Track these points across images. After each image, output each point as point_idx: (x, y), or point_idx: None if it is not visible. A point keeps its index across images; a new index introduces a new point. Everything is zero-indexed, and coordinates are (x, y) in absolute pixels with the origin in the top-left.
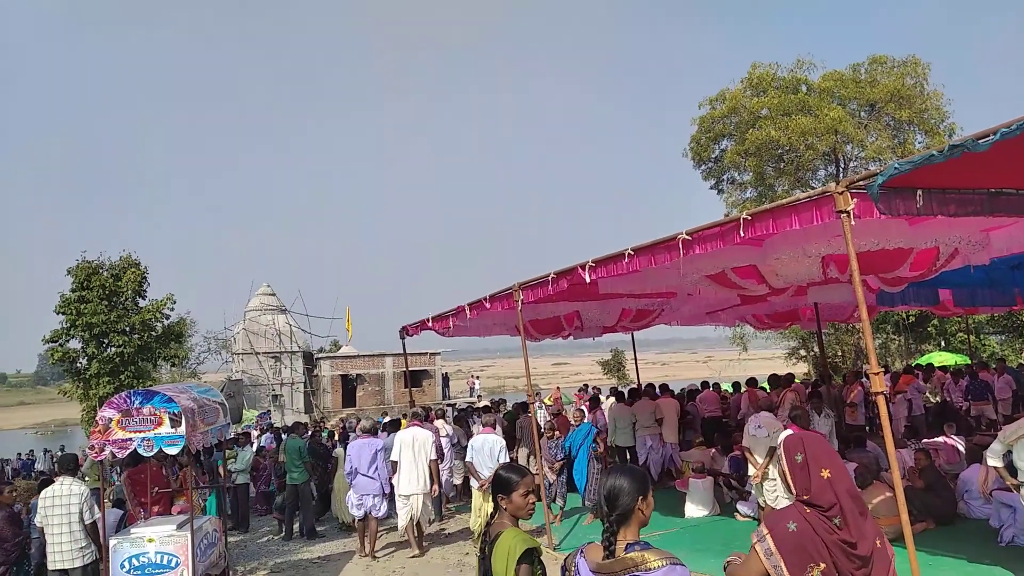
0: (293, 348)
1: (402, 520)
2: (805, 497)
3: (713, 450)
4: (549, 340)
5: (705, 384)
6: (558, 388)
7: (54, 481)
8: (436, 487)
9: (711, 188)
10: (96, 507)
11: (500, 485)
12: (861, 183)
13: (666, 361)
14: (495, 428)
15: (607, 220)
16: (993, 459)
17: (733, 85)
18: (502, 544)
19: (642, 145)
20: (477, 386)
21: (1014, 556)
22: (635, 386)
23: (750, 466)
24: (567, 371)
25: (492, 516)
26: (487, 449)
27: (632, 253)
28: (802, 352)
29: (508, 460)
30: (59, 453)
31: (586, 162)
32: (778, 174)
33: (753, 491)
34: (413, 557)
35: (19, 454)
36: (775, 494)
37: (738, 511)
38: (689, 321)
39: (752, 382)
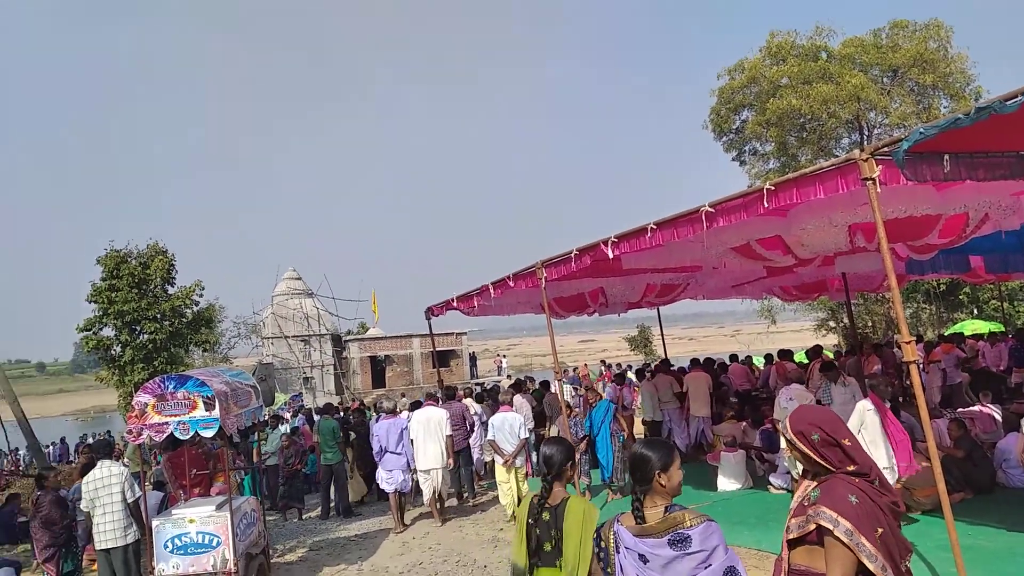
0: (321, 331)
1: (426, 494)
2: (851, 468)
3: (744, 423)
4: (575, 317)
5: (734, 357)
6: (585, 365)
7: (95, 465)
8: (451, 460)
9: (733, 160)
10: (136, 485)
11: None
12: (886, 149)
13: (694, 336)
14: (512, 406)
15: (629, 196)
16: None
17: (752, 54)
18: (575, 509)
19: (664, 117)
20: (504, 365)
21: None
22: (659, 362)
23: (782, 439)
24: (594, 348)
25: (546, 487)
26: (507, 426)
27: (655, 227)
28: (831, 324)
29: (527, 436)
30: (90, 440)
31: (606, 137)
32: (801, 143)
33: (786, 463)
34: (438, 527)
35: (52, 442)
36: None
37: (771, 484)
38: (715, 295)
39: (785, 354)
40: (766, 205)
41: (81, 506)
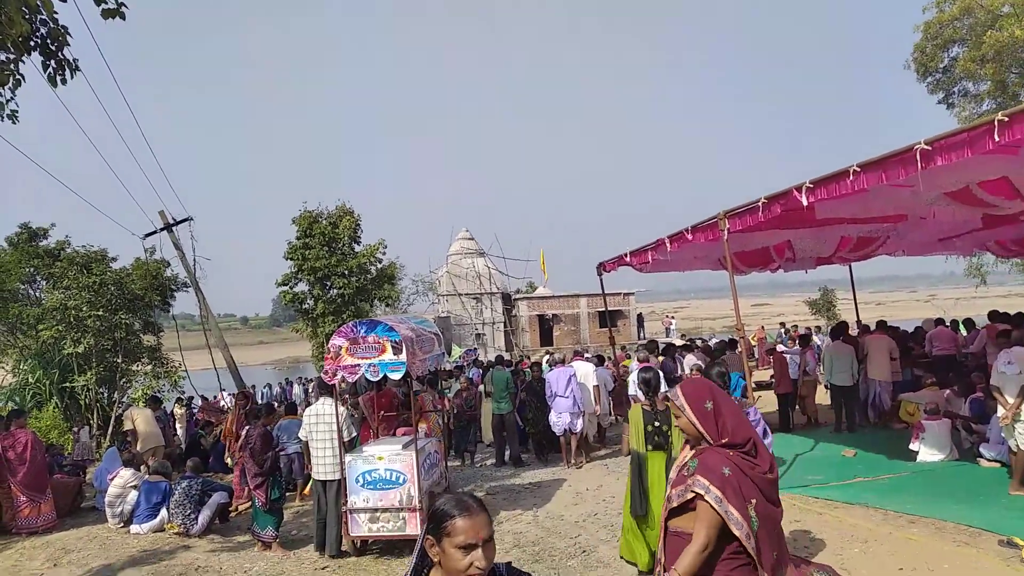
0: (492, 290)
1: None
2: (724, 440)
3: (948, 391)
4: (754, 275)
5: (939, 321)
6: (762, 328)
7: (297, 409)
8: (598, 407)
9: (939, 103)
10: (353, 427)
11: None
12: None
13: (882, 300)
14: (649, 362)
15: (819, 144)
16: None
17: None
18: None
19: (855, 57)
20: (673, 326)
21: None
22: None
23: (999, 407)
24: (768, 312)
25: (650, 399)
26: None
27: (858, 170)
28: None
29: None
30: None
31: (786, 80)
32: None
33: (1003, 433)
34: (578, 468)
35: (268, 384)
36: None
37: (983, 455)
38: (917, 250)
39: (997, 316)
40: (996, 140)
41: (300, 435)
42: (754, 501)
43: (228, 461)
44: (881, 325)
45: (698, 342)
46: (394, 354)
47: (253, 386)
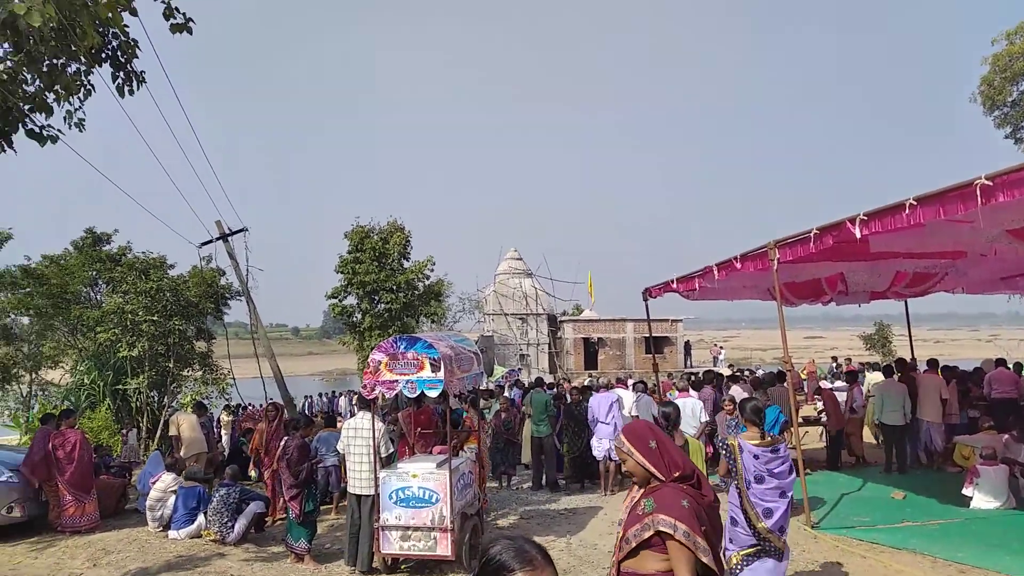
0: (538, 311)
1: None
2: (676, 474)
3: (1007, 436)
4: (806, 307)
5: (1000, 361)
6: (812, 361)
7: (338, 421)
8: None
9: (1006, 137)
10: (391, 443)
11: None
12: None
13: (940, 338)
14: (689, 392)
15: (878, 175)
16: None
17: None
18: (692, 443)
19: (917, 87)
20: (722, 356)
21: None
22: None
23: None
24: (821, 345)
25: (669, 432)
26: (689, 409)
27: (915, 203)
28: None
29: (707, 419)
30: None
31: (852, 110)
32: None
33: None
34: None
35: (307, 397)
36: None
37: None
38: (977, 288)
39: None
40: None
41: (338, 447)
42: (703, 528)
43: (252, 473)
44: (932, 364)
45: (746, 373)
46: (432, 371)
47: (304, 396)
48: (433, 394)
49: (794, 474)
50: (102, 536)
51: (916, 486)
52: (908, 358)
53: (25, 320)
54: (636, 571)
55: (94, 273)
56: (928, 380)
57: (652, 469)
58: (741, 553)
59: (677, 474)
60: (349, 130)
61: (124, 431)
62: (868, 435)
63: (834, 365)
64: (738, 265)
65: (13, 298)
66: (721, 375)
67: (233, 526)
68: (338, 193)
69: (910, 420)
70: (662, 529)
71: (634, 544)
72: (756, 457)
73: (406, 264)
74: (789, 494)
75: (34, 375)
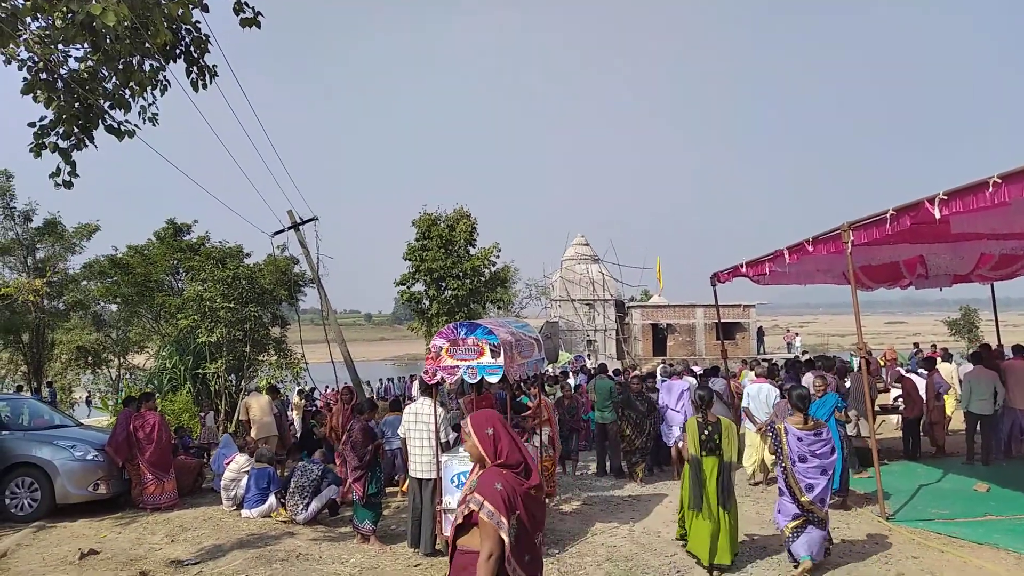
0: (605, 296)
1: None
2: (500, 461)
3: None
4: (884, 290)
5: None
6: (892, 348)
7: (404, 404)
8: None
9: None
10: (451, 429)
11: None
12: None
13: None
14: (766, 379)
15: (954, 157)
16: None
17: None
18: (725, 423)
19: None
20: (797, 342)
21: None
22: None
23: None
24: (903, 331)
25: (703, 413)
26: (763, 396)
27: (999, 181)
28: None
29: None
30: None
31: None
32: None
33: None
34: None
35: (381, 379)
36: None
37: None
38: None
39: None
40: None
41: (399, 432)
42: (518, 513)
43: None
44: (1018, 350)
45: (818, 364)
46: (492, 357)
47: (379, 380)
48: (493, 380)
49: (836, 454)
50: (180, 513)
51: (1002, 479)
52: (994, 344)
53: (113, 307)
54: (467, 548)
55: (175, 262)
56: (1017, 367)
57: (482, 452)
58: (791, 525)
59: (500, 461)
60: (419, 117)
61: (203, 413)
62: (955, 423)
63: (915, 352)
64: (810, 248)
65: (102, 287)
66: (799, 361)
67: (308, 505)
68: (417, 180)
69: (999, 409)
70: (471, 506)
71: (460, 520)
72: (800, 439)
73: (472, 251)
74: (830, 472)
75: (122, 359)
